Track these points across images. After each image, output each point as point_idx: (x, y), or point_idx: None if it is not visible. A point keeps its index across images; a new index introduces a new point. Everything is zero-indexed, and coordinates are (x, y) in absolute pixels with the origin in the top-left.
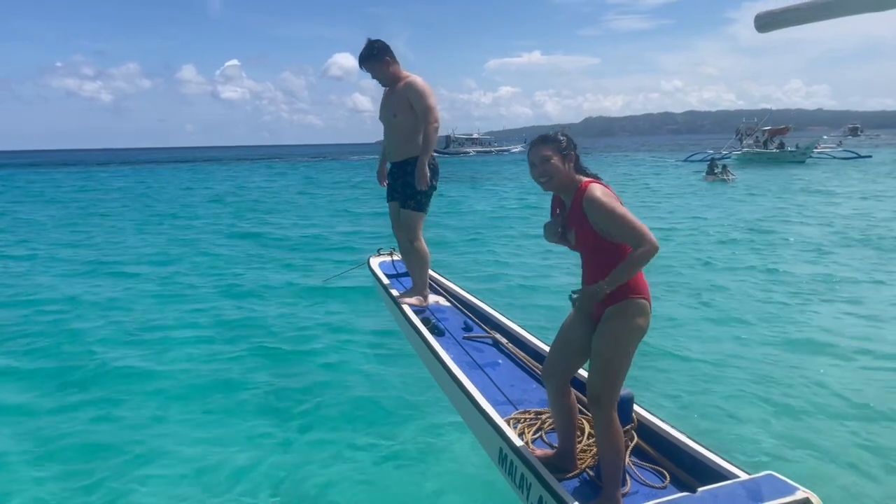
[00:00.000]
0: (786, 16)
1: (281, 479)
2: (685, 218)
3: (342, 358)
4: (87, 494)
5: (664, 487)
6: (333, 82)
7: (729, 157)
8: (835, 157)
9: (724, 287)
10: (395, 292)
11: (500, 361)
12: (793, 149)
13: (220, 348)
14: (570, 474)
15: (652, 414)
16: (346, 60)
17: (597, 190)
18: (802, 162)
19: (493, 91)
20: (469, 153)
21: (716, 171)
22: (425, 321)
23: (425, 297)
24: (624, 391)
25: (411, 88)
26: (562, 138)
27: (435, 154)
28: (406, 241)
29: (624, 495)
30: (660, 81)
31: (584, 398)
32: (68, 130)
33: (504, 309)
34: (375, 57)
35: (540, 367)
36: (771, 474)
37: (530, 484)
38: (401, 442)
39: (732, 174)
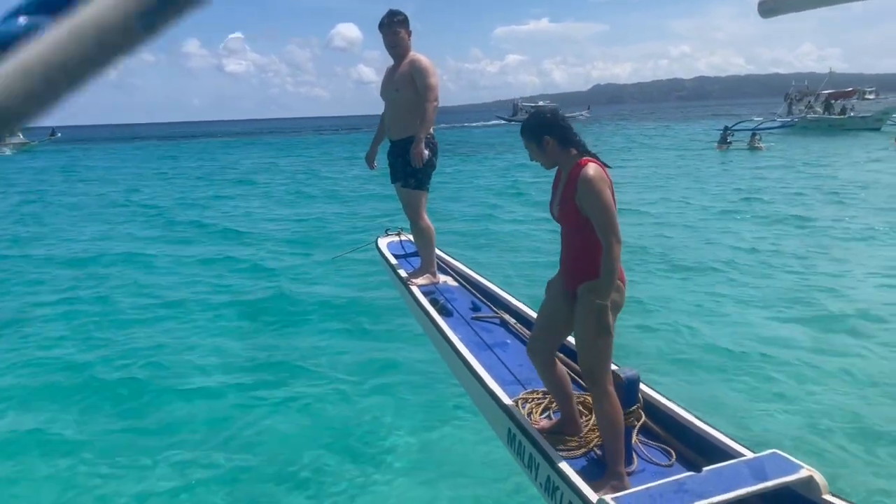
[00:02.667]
0: (791, 1)
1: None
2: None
3: (342, 337)
4: None
5: (671, 465)
6: (338, 54)
7: (775, 126)
8: None
9: (730, 263)
10: (403, 273)
11: (508, 341)
12: (866, 114)
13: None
14: (578, 453)
15: (659, 393)
16: (350, 31)
17: (591, 170)
18: (878, 129)
19: (500, 60)
20: None
21: (728, 140)
22: (433, 302)
23: (434, 275)
24: (630, 371)
25: (416, 65)
26: (534, 126)
27: (430, 134)
28: (410, 220)
29: (631, 473)
30: (668, 48)
31: None
32: (74, 107)
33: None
34: (399, 24)
35: None
36: (775, 453)
37: (538, 464)
38: (410, 423)
39: (761, 143)
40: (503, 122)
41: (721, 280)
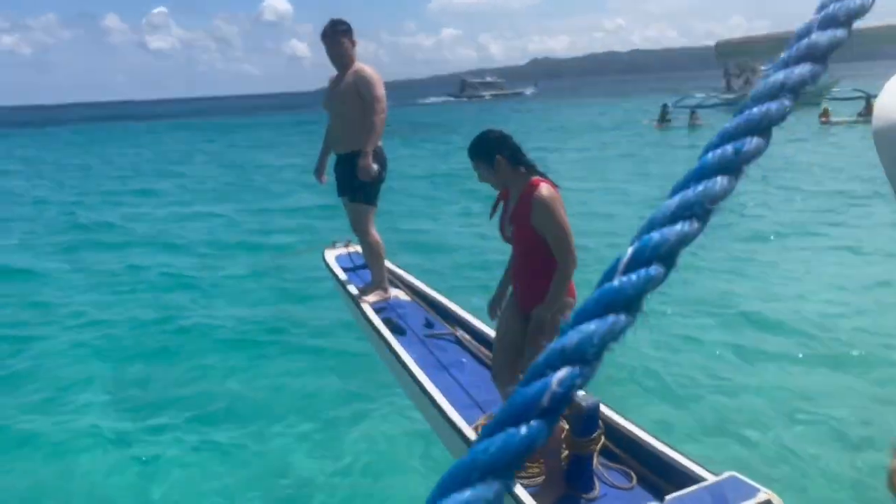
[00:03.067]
0: (744, 47)
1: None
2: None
3: (277, 358)
4: None
5: (631, 488)
6: (268, 28)
7: (717, 104)
8: (851, 98)
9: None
10: (353, 289)
11: (463, 360)
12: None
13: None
14: (539, 480)
15: (619, 414)
16: (280, 4)
17: (545, 191)
18: (817, 104)
19: (436, 33)
20: (485, 97)
21: (667, 119)
22: (386, 320)
23: (385, 290)
24: (591, 399)
25: (361, 76)
26: (483, 147)
27: (379, 146)
28: (358, 235)
29: (593, 500)
30: (603, 20)
31: None
32: None
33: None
34: (343, 33)
35: None
36: (734, 476)
37: None
38: (364, 447)
39: (701, 120)
40: (452, 99)
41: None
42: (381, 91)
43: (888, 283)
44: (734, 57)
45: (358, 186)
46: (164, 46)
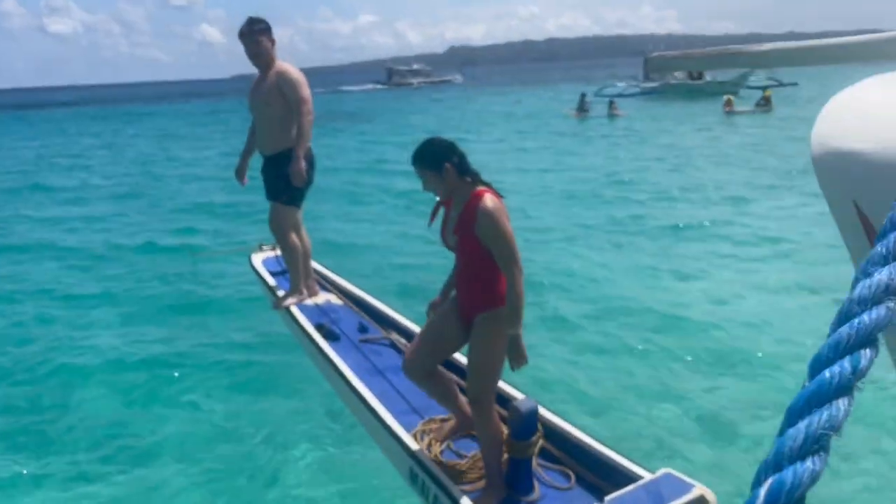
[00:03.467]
0: (677, 62)
1: None
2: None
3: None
4: None
5: (571, 488)
6: (176, 12)
7: (638, 92)
8: (765, 87)
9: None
10: (281, 293)
11: (399, 364)
12: (723, 79)
13: None
14: (481, 485)
15: (555, 415)
16: None
17: (490, 202)
18: (736, 93)
19: (353, 19)
20: (413, 84)
21: (585, 108)
22: (319, 327)
23: (302, 293)
24: (529, 402)
25: (284, 77)
26: (431, 154)
27: (307, 146)
28: (276, 236)
29: (533, 501)
30: (517, 8)
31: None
32: None
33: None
34: (260, 32)
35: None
36: (668, 472)
37: None
38: (302, 459)
39: (620, 110)
40: (380, 86)
41: (567, 287)
42: (306, 92)
43: (798, 275)
44: (665, 71)
45: (283, 188)
46: (64, 30)
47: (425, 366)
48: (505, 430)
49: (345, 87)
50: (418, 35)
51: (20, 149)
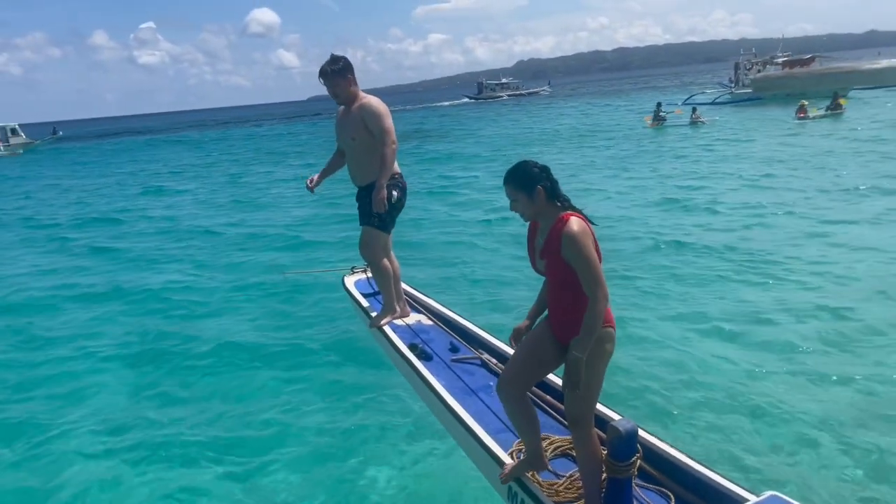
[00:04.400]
0: (782, 82)
1: None
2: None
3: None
4: None
5: None
6: (255, 40)
7: (728, 100)
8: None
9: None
10: (374, 314)
11: (491, 384)
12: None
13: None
14: None
15: (657, 438)
16: (265, 16)
17: (575, 225)
18: (844, 96)
19: (423, 39)
20: (502, 97)
21: (661, 115)
22: (412, 347)
23: (394, 312)
24: (628, 424)
25: (367, 110)
26: (524, 176)
27: (398, 173)
28: (366, 259)
29: None
30: (586, 20)
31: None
32: None
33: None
34: (338, 73)
35: (534, 387)
36: (775, 495)
37: None
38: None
39: (703, 117)
40: (471, 100)
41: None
42: (389, 122)
43: None
44: (771, 91)
45: (374, 213)
46: (152, 61)
47: (520, 387)
48: (604, 450)
49: (436, 103)
50: (487, 50)
51: (118, 174)
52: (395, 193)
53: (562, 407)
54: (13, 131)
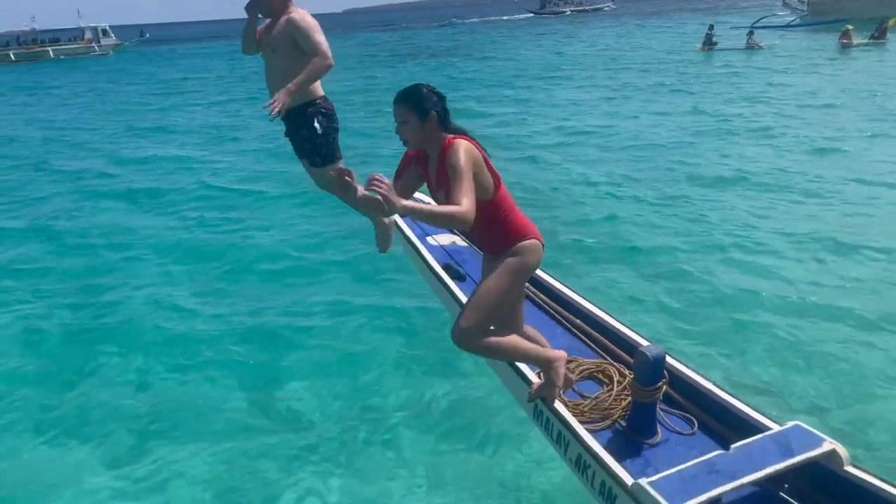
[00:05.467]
0: (840, 5)
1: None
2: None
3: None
4: None
5: (693, 434)
6: None
7: (798, 24)
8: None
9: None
10: (410, 234)
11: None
12: None
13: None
14: (603, 425)
15: (680, 363)
16: None
17: (458, 144)
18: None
19: None
20: (566, 13)
21: (713, 41)
22: (446, 267)
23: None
24: (656, 349)
25: (293, 24)
26: (419, 98)
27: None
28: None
29: (656, 444)
30: None
31: (616, 350)
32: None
33: None
34: None
35: (563, 311)
36: (798, 425)
37: (568, 441)
38: (422, 389)
39: (760, 42)
40: (532, 15)
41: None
42: (321, 36)
43: None
44: (828, 14)
45: (312, 149)
46: None
47: (480, 327)
48: (630, 374)
49: (496, 17)
50: None
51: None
52: (316, 126)
53: (591, 332)
54: (104, 32)
